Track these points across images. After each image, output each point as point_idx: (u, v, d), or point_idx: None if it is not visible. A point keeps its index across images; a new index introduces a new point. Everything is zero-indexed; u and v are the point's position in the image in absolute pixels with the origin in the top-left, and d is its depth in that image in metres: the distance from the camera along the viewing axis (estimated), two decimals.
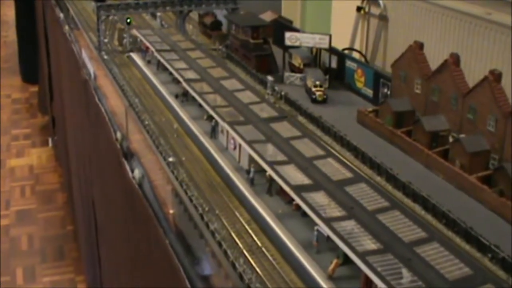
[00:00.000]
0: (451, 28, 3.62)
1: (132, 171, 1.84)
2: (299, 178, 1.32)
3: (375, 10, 4.52)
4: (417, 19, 4.03)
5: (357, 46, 4.72)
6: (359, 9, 4.85)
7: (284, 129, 1.56)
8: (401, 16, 4.33)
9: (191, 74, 1.92)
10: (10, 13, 9.02)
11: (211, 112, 1.63)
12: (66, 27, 3.26)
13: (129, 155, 1.95)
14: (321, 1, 5.07)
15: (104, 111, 2.29)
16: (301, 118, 1.99)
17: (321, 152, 1.44)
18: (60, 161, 4.99)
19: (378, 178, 1.65)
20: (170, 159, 1.64)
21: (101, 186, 2.50)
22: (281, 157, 1.41)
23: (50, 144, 5.42)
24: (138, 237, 1.82)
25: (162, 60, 2.06)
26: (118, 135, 2.07)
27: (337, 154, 1.51)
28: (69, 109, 3.74)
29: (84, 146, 2.94)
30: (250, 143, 1.45)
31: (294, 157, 1.42)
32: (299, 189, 1.24)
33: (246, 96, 1.74)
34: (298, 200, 1.21)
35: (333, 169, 1.36)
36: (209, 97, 1.74)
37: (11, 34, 8.27)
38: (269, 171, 1.34)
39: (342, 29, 4.91)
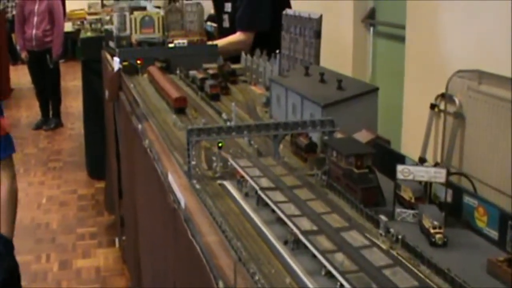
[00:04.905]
0: None
1: None
2: None
3: (450, 108, 4.35)
4: (497, 117, 3.84)
5: (431, 145, 4.54)
6: (432, 106, 4.69)
7: None
8: (479, 115, 4.14)
9: (306, 223, 1.74)
10: (75, 104, 9.19)
11: (343, 282, 1.43)
12: (147, 141, 3.17)
13: None
14: (392, 99, 4.95)
15: (200, 250, 2.12)
16: (423, 268, 1.78)
17: None
18: (128, 263, 4.86)
19: None
20: None
21: None
22: None
23: (117, 244, 5.30)
24: None
25: (271, 204, 1.89)
26: (221, 284, 1.89)
27: None
28: (145, 219, 3.62)
29: (167, 270, 2.78)
30: None
31: None
32: None
33: (376, 257, 1.55)
34: None
35: None
36: (332, 256, 1.55)
37: (77, 127, 8.38)
38: None
39: (415, 128, 4.74)
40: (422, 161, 4.38)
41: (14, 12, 12.97)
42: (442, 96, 4.32)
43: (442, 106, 4.41)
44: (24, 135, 8.70)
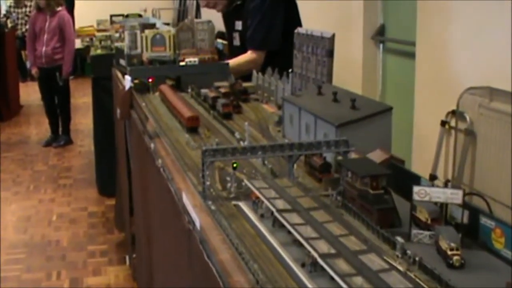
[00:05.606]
0: None
1: None
2: None
3: (461, 125, 4.34)
4: (509, 134, 3.82)
5: (441, 162, 4.53)
6: (443, 123, 4.67)
7: None
8: (490, 132, 4.12)
9: (324, 246, 1.73)
10: (85, 121, 9.22)
11: None
12: (160, 161, 3.17)
13: None
14: (402, 115, 4.95)
15: (216, 273, 2.12)
16: None
17: None
18: (138, 281, 4.85)
19: None
20: None
21: None
22: None
23: (128, 262, 5.29)
24: None
25: (288, 227, 1.89)
26: None
27: None
28: (159, 238, 3.61)
29: None
30: None
31: None
32: None
33: (395, 281, 1.55)
34: None
35: None
36: (351, 279, 1.55)
37: (87, 144, 8.41)
38: None
39: (425, 145, 4.73)
40: (433, 178, 4.36)
41: (24, 30, 13.10)
42: (453, 113, 4.31)
43: (453, 123, 4.40)
44: (34, 152, 8.73)
